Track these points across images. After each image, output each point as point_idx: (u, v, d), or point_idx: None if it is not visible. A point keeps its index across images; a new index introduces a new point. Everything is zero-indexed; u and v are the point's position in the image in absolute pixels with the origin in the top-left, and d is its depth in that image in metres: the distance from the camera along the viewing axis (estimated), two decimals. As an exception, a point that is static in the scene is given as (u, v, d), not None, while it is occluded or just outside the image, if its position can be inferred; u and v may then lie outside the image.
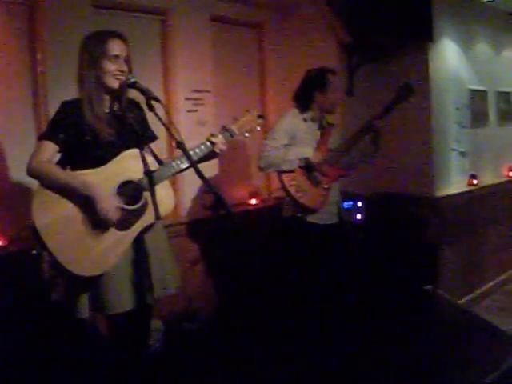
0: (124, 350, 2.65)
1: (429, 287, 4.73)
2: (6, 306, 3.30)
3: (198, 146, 2.64)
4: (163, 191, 2.57)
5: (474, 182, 5.54)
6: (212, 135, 2.68)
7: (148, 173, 2.49)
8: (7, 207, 3.67)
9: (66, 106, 2.55)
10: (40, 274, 3.43)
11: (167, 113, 2.61)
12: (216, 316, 4.47)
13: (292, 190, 3.62)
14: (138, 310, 2.56)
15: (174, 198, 2.65)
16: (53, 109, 3.60)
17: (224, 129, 2.73)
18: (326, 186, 3.69)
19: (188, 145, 2.47)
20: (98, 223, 2.43)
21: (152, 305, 2.66)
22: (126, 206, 2.47)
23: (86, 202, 2.42)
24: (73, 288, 2.53)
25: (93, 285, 2.49)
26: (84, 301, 2.51)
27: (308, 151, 3.63)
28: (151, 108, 2.44)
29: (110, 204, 2.42)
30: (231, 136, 2.74)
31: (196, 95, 4.59)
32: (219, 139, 2.67)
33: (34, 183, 3.57)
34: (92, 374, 3.10)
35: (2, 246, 3.54)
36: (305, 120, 3.73)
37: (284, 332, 3.81)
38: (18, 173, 3.69)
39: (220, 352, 3.81)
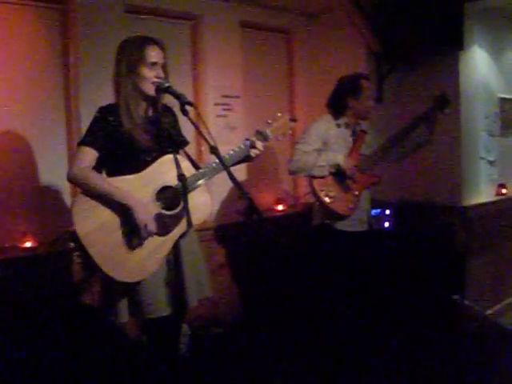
0: (157, 353, 2.65)
1: (456, 297, 4.68)
2: (35, 306, 3.33)
3: (234, 150, 2.64)
4: (201, 197, 2.58)
5: (503, 191, 5.47)
6: (247, 139, 2.67)
7: (181, 178, 2.49)
8: (38, 210, 3.71)
9: (103, 111, 2.55)
10: (70, 277, 3.48)
11: (200, 117, 2.61)
12: (241, 321, 4.47)
13: (322, 195, 3.60)
14: (172, 314, 2.57)
15: (211, 204, 2.66)
16: (84, 113, 3.70)
17: (258, 133, 2.71)
18: (356, 193, 3.67)
19: (217, 150, 2.47)
20: (137, 231, 2.45)
21: (186, 310, 2.67)
22: (164, 212, 2.48)
23: (124, 210, 2.44)
24: (112, 293, 2.54)
25: (131, 290, 2.50)
26: (123, 306, 2.53)
27: (339, 157, 3.61)
28: (185, 113, 2.43)
29: (148, 213, 2.43)
30: (265, 140, 2.71)
31: (225, 100, 4.61)
32: (258, 143, 2.66)
33: (64, 186, 3.65)
34: (121, 376, 3.12)
35: (33, 247, 3.58)
36: (338, 126, 3.71)
37: (310, 339, 3.81)
38: (48, 176, 3.74)
39: (245, 357, 3.81)
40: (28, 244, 3.58)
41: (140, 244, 2.45)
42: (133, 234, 2.44)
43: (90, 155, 2.49)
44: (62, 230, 3.46)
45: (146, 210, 2.44)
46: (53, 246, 3.61)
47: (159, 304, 2.52)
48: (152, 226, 2.44)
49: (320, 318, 3.79)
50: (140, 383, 2.72)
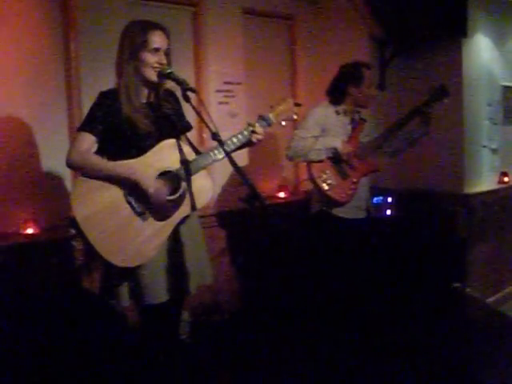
0: (156, 339, 2.66)
1: (457, 285, 4.68)
2: (36, 293, 3.34)
3: (236, 136, 2.62)
4: (202, 181, 2.57)
5: (505, 179, 5.47)
6: (249, 124, 2.66)
7: (184, 162, 2.48)
8: (39, 196, 3.71)
9: (103, 96, 2.54)
10: (72, 263, 3.48)
11: (202, 104, 2.59)
12: (242, 308, 4.48)
13: (320, 182, 3.61)
14: (171, 301, 2.57)
15: (212, 188, 2.65)
16: (86, 98, 3.69)
17: (261, 118, 2.70)
18: (354, 180, 3.66)
19: (219, 137, 2.46)
20: (136, 214, 2.45)
21: (185, 296, 2.67)
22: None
23: (130, 188, 2.44)
24: (113, 277, 2.55)
25: (131, 275, 2.51)
26: (124, 289, 2.53)
27: (337, 141, 3.60)
28: (187, 99, 2.43)
29: (155, 183, 2.42)
30: (268, 125, 2.70)
31: (227, 87, 4.61)
32: (258, 128, 2.65)
33: (66, 172, 3.65)
34: (121, 362, 3.13)
35: (35, 233, 3.58)
36: (337, 113, 3.71)
37: (309, 326, 3.81)
38: (50, 162, 3.75)
39: (246, 344, 3.82)
40: (30, 230, 3.58)
41: (140, 228, 2.45)
42: (133, 217, 2.44)
43: (88, 140, 2.48)
44: (64, 217, 3.45)
45: (153, 180, 2.43)
46: (54, 232, 3.62)
47: (157, 290, 2.52)
48: (163, 194, 2.43)
49: (319, 306, 3.79)
50: (140, 368, 2.72)
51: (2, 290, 3.23)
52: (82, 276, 3.57)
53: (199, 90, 4.43)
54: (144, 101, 2.60)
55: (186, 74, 4.34)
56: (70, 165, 2.48)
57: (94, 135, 2.48)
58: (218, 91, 4.56)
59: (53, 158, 3.72)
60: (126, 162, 2.47)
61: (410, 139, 3.79)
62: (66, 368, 3.15)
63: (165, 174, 2.49)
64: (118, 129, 2.49)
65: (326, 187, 3.61)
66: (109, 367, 3.20)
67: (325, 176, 3.63)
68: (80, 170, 2.49)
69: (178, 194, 2.49)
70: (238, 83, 4.68)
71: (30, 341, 3.18)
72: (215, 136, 2.37)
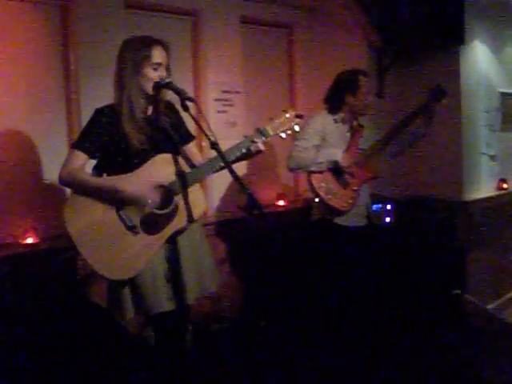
0: (163, 348, 2.68)
1: (457, 291, 4.68)
2: (36, 303, 3.33)
3: (234, 147, 2.62)
4: (194, 194, 2.57)
5: (504, 186, 5.49)
6: (246, 137, 2.66)
7: (181, 175, 2.49)
8: (39, 206, 3.72)
9: (98, 114, 2.55)
10: (71, 273, 3.48)
11: (201, 113, 2.60)
12: (242, 316, 4.47)
13: (321, 191, 3.60)
14: (176, 310, 2.59)
15: (205, 200, 2.65)
16: (85, 108, 3.70)
17: (257, 130, 2.68)
18: (355, 188, 3.67)
19: (217, 145, 2.47)
20: (127, 228, 2.46)
21: (189, 305, 2.68)
22: (156, 211, 2.48)
23: (121, 203, 2.45)
24: (117, 290, 2.56)
25: (132, 287, 2.52)
26: (128, 303, 2.54)
27: (338, 154, 3.61)
28: (186, 108, 2.43)
29: (142, 187, 2.44)
30: (265, 137, 2.68)
31: (226, 96, 4.62)
32: (257, 139, 2.64)
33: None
34: (124, 372, 3.13)
35: (34, 243, 3.58)
36: (335, 121, 3.71)
37: (310, 334, 3.81)
38: (49, 172, 3.74)
39: (246, 352, 3.81)
40: (29, 240, 3.58)
41: (131, 241, 2.46)
42: (124, 232, 2.45)
43: (80, 159, 2.49)
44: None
45: (138, 185, 2.44)
46: (54, 242, 3.62)
47: (160, 299, 2.53)
48: (152, 195, 2.45)
49: (320, 313, 3.79)
50: (144, 379, 2.73)
51: (1, 300, 3.23)
52: (82, 286, 3.57)
53: (198, 99, 4.45)
54: (143, 116, 2.60)
55: (185, 82, 4.37)
56: (61, 182, 2.50)
57: (86, 153, 2.50)
58: (217, 100, 4.57)
59: (52, 169, 3.70)
60: (116, 178, 2.48)
61: (409, 140, 3.80)
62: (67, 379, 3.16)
63: (157, 189, 2.50)
64: (115, 145, 2.51)
65: (327, 197, 3.61)
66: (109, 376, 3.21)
67: (326, 185, 3.63)
68: (70, 186, 2.52)
69: (169, 209, 2.50)
70: (237, 92, 4.69)
71: (29, 350, 3.18)
72: (214, 145, 2.37)
